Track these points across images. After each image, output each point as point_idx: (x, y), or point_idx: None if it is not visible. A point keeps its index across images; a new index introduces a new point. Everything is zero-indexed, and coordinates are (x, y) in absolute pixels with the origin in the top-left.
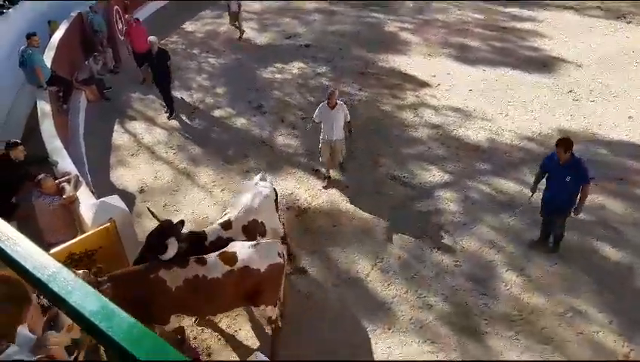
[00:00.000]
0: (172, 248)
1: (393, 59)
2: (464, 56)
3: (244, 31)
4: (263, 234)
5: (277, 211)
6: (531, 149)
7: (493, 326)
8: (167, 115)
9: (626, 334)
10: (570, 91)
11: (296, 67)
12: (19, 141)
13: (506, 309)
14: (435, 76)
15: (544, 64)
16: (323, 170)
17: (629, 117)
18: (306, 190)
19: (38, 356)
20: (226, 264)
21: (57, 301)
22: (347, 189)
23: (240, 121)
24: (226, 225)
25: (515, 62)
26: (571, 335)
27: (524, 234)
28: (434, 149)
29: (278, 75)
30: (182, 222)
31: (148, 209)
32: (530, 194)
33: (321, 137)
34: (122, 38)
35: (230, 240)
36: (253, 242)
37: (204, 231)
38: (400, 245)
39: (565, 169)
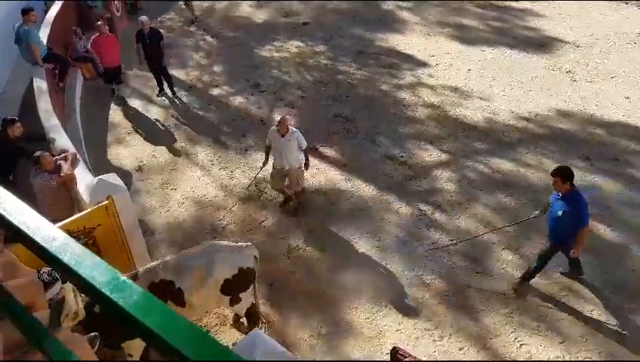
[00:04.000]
0: None
1: (391, 38)
2: (462, 35)
3: (196, 15)
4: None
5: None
6: (528, 129)
7: (488, 304)
8: (169, 91)
9: (619, 312)
10: (568, 71)
11: (294, 45)
12: (16, 118)
13: (501, 287)
14: (433, 56)
15: (542, 44)
16: (279, 195)
17: (626, 97)
18: None
19: None
20: None
21: (68, 273)
22: (345, 168)
23: (238, 100)
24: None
25: (513, 41)
26: (565, 312)
27: (520, 213)
28: (431, 129)
29: (275, 54)
30: None
31: None
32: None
33: (272, 162)
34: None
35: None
36: None
37: None
38: (397, 224)
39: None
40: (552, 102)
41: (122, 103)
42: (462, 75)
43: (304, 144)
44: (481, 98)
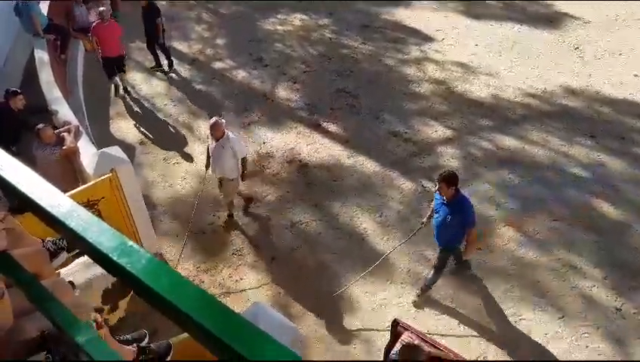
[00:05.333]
0: None
1: (397, 11)
2: (470, 10)
3: None
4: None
5: None
6: (535, 106)
7: (488, 279)
8: (167, 68)
9: (620, 289)
10: (577, 48)
11: (297, 19)
12: (18, 90)
13: (503, 263)
14: (440, 30)
15: (551, 19)
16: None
17: (635, 75)
18: (307, 144)
19: None
20: None
21: (75, 238)
22: (348, 144)
23: (240, 74)
24: None
25: (522, 16)
26: (566, 289)
27: (523, 190)
28: (436, 105)
29: (279, 27)
30: None
31: None
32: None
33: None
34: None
35: None
36: None
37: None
38: (400, 200)
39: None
40: (559, 78)
41: (123, 97)
42: (468, 51)
43: (241, 153)
44: (487, 74)
